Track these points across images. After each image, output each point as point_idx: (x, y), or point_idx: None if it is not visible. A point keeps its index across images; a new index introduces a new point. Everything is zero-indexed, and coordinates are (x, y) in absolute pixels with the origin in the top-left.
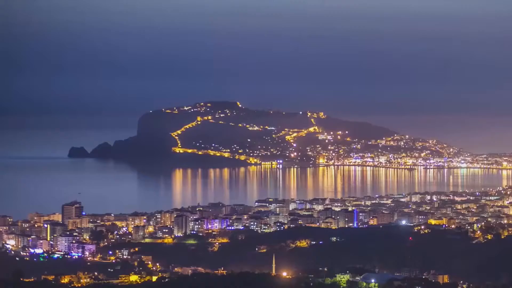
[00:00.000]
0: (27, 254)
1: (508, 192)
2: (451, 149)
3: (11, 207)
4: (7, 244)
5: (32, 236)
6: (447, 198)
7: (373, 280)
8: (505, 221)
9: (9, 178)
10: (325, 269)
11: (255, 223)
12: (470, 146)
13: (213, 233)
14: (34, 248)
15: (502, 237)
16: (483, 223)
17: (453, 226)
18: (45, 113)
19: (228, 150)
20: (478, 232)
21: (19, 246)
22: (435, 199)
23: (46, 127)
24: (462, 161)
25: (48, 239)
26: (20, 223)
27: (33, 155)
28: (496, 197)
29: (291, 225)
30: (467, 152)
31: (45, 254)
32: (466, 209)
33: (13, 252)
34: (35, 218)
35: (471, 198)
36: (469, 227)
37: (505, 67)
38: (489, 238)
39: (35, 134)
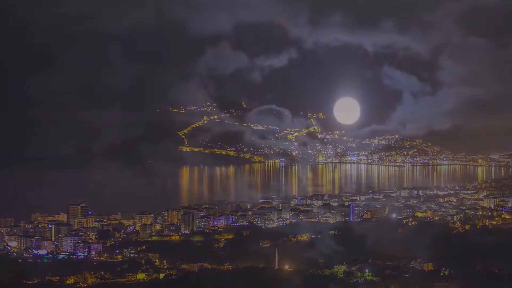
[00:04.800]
0: (30, 255)
1: (483, 187)
2: (435, 148)
3: (13, 208)
4: (8, 246)
5: (36, 237)
6: (432, 192)
7: (367, 270)
8: (480, 213)
9: (10, 178)
10: (324, 261)
11: (259, 219)
12: (451, 145)
13: (219, 229)
14: (38, 249)
15: (478, 227)
16: (462, 215)
17: (436, 218)
18: (48, 110)
19: (233, 149)
20: (458, 223)
21: (22, 248)
22: (421, 194)
23: (50, 124)
24: (444, 159)
25: (53, 240)
26: (23, 224)
27: (36, 154)
28: (472, 191)
29: (293, 220)
30: (448, 150)
31: (49, 255)
32: (447, 202)
33: (15, 254)
34: (39, 218)
35: (452, 192)
36: (450, 219)
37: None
38: (467, 228)
39: (38, 132)
